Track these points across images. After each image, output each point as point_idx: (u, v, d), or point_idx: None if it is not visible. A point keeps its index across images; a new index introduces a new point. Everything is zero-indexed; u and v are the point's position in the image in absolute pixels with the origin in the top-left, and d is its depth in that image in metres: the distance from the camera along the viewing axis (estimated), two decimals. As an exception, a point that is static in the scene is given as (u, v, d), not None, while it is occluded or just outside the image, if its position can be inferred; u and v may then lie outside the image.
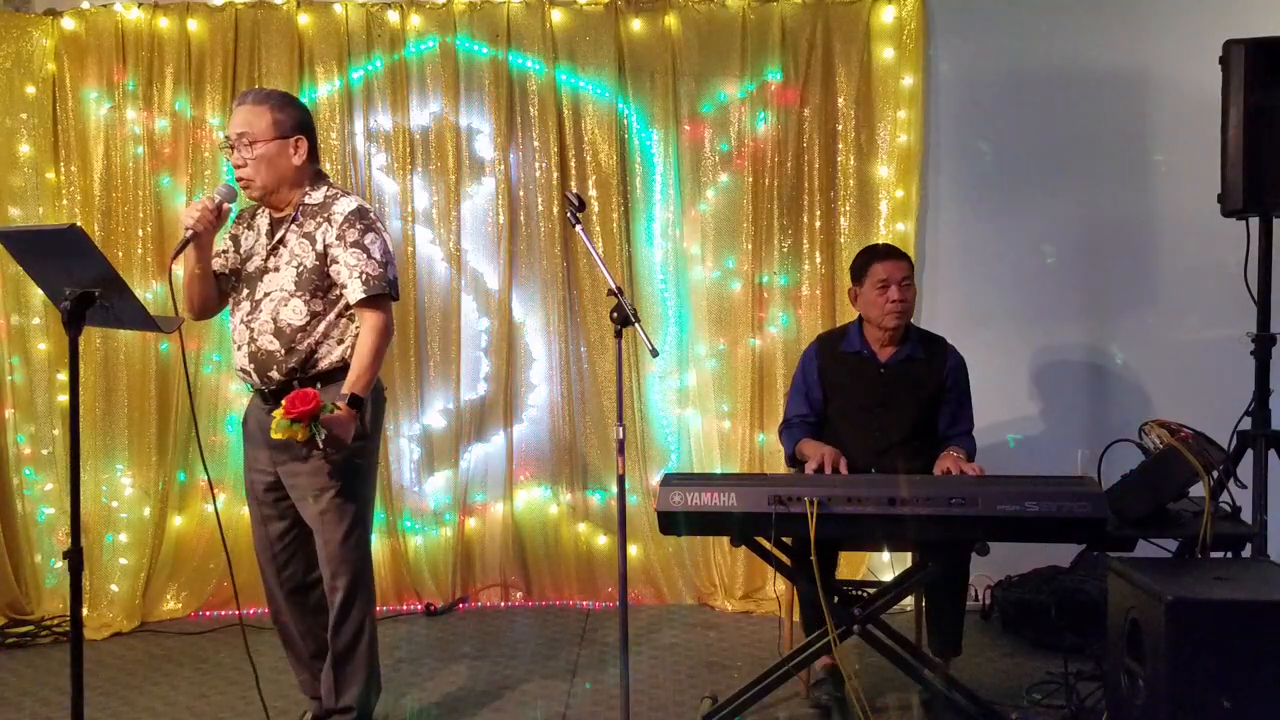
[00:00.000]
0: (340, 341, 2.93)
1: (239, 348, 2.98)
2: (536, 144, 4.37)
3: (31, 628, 4.15)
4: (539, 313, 4.42)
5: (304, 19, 4.32)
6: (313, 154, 2.97)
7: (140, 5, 4.31)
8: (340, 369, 2.92)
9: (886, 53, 4.27)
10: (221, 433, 4.37)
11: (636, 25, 4.34)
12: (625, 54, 4.33)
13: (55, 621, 4.19)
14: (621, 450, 2.95)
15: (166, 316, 2.89)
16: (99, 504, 4.31)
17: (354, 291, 2.87)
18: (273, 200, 2.96)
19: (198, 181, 4.33)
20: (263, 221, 3.02)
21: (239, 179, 2.92)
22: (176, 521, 4.37)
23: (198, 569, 4.37)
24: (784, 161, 4.31)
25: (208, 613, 4.34)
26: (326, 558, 2.96)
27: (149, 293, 4.29)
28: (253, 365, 2.93)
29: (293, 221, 2.94)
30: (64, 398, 4.29)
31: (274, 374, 2.91)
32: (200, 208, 2.83)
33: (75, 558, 2.43)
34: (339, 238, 2.88)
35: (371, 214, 2.96)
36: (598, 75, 4.34)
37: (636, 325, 2.90)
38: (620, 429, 2.93)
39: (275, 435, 2.65)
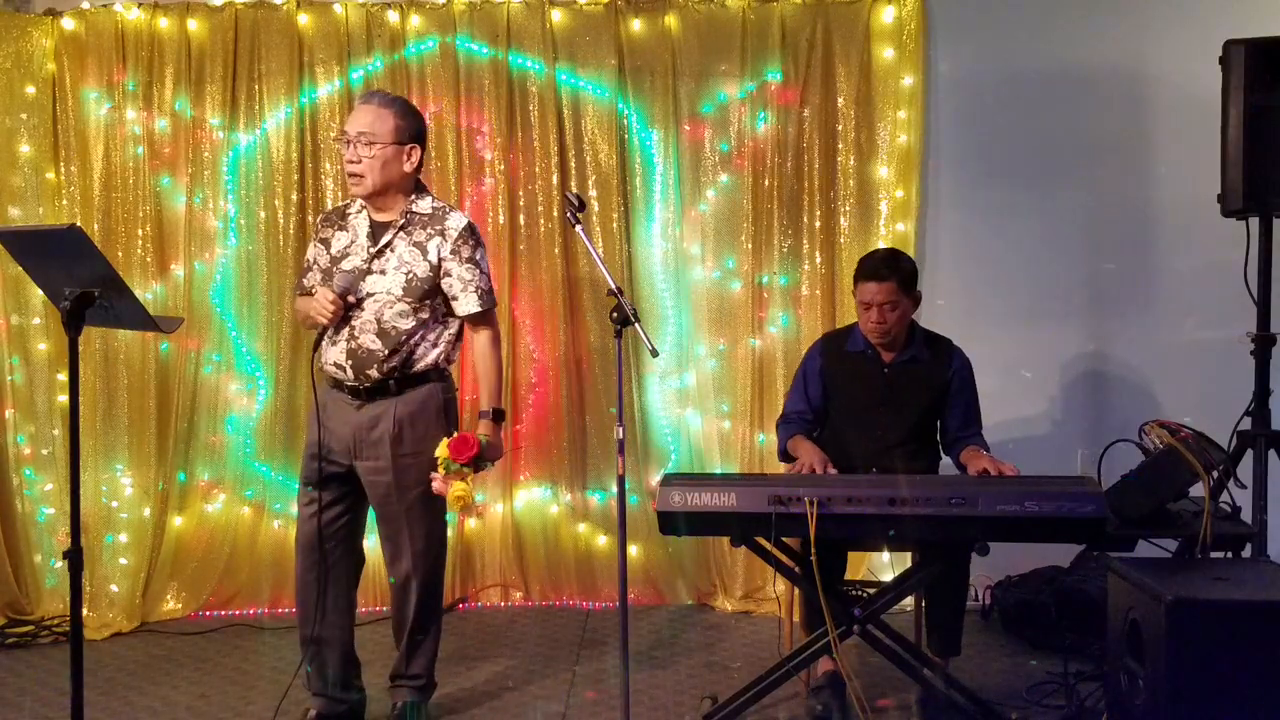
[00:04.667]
0: (435, 345, 3.09)
1: (333, 343, 3.04)
2: (536, 144, 4.37)
3: (31, 628, 4.15)
4: (539, 313, 4.42)
5: (304, 19, 4.32)
6: (419, 164, 3.10)
7: (140, 5, 4.31)
8: (433, 370, 3.09)
9: (886, 53, 4.27)
10: (221, 433, 4.37)
11: (636, 25, 4.34)
12: (625, 54, 4.33)
13: (55, 621, 4.18)
14: (621, 450, 2.95)
15: (166, 317, 2.90)
16: (99, 504, 4.31)
17: (469, 305, 3.07)
18: (378, 201, 3.08)
19: (197, 181, 4.33)
20: (360, 222, 3.11)
21: (351, 173, 3.02)
22: (176, 521, 4.36)
23: (198, 569, 4.37)
24: (784, 161, 4.31)
25: (208, 613, 4.34)
26: (414, 552, 3.10)
27: (149, 293, 4.29)
28: (350, 362, 3.02)
29: (401, 228, 3.05)
30: (64, 398, 4.29)
31: (372, 372, 3.02)
32: (333, 304, 2.96)
33: (75, 558, 2.44)
34: (454, 253, 3.05)
35: (478, 231, 3.15)
36: (598, 75, 4.34)
37: (636, 325, 2.90)
38: (620, 429, 2.93)
39: (447, 476, 2.87)
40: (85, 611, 4.06)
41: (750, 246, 4.34)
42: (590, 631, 4.12)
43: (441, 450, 2.88)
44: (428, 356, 3.07)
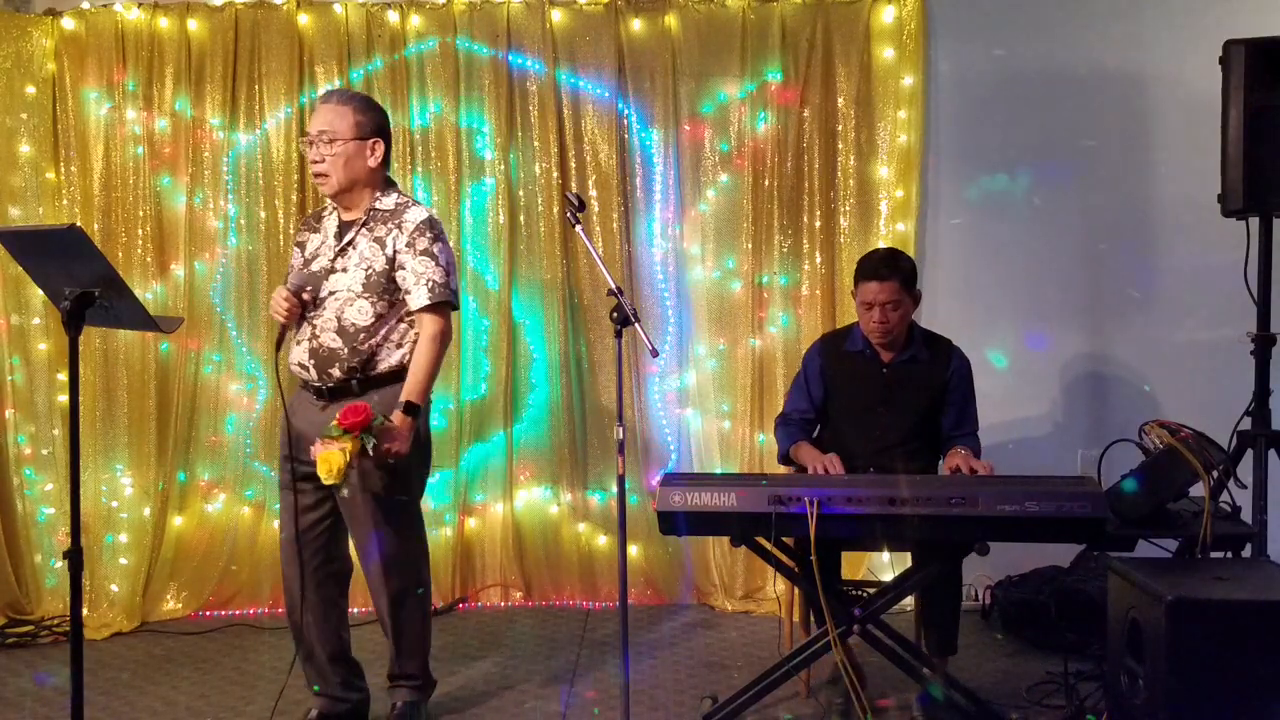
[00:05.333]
0: (399, 345, 3.03)
1: (298, 343, 3.04)
2: (536, 144, 4.37)
3: (31, 628, 4.15)
4: (539, 313, 4.42)
5: (304, 19, 4.32)
6: (385, 159, 3.07)
7: (140, 5, 4.31)
8: (399, 371, 3.02)
9: (886, 53, 4.27)
10: (221, 433, 4.37)
11: (636, 25, 4.34)
12: (625, 54, 4.34)
13: (55, 621, 4.18)
14: (621, 450, 2.95)
15: (166, 317, 2.90)
16: (99, 504, 4.31)
17: (419, 298, 2.98)
18: (345, 199, 3.06)
19: (198, 181, 4.33)
20: (330, 223, 3.11)
21: (315, 174, 3.02)
22: (176, 521, 4.37)
23: (198, 569, 4.37)
24: (784, 161, 4.32)
25: (208, 613, 4.34)
26: (384, 554, 3.05)
27: (149, 293, 4.29)
28: (313, 361, 3.00)
29: (364, 225, 3.03)
30: (64, 398, 4.29)
31: (334, 371, 2.99)
32: (287, 301, 2.96)
33: (75, 558, 2.44)
34: (409, 245, 2.98)
35: (440, 225, 3.07)
36: (598, 75, 4.34)
37: (636, 325, 2.91)
38: (620, 429, 2.93)
39: (325, 440, 2.76)
40: (85, 611, 4.06)
41: (750, 246, 4.34)
42: (590, 631, 4.12)
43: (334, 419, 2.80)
44: (391, 357, 3.01)
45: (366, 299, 2.98)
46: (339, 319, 2.98)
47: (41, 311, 4.33)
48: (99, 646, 3.99)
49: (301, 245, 3.16)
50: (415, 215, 3.02)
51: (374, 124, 3.03)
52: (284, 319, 2.99)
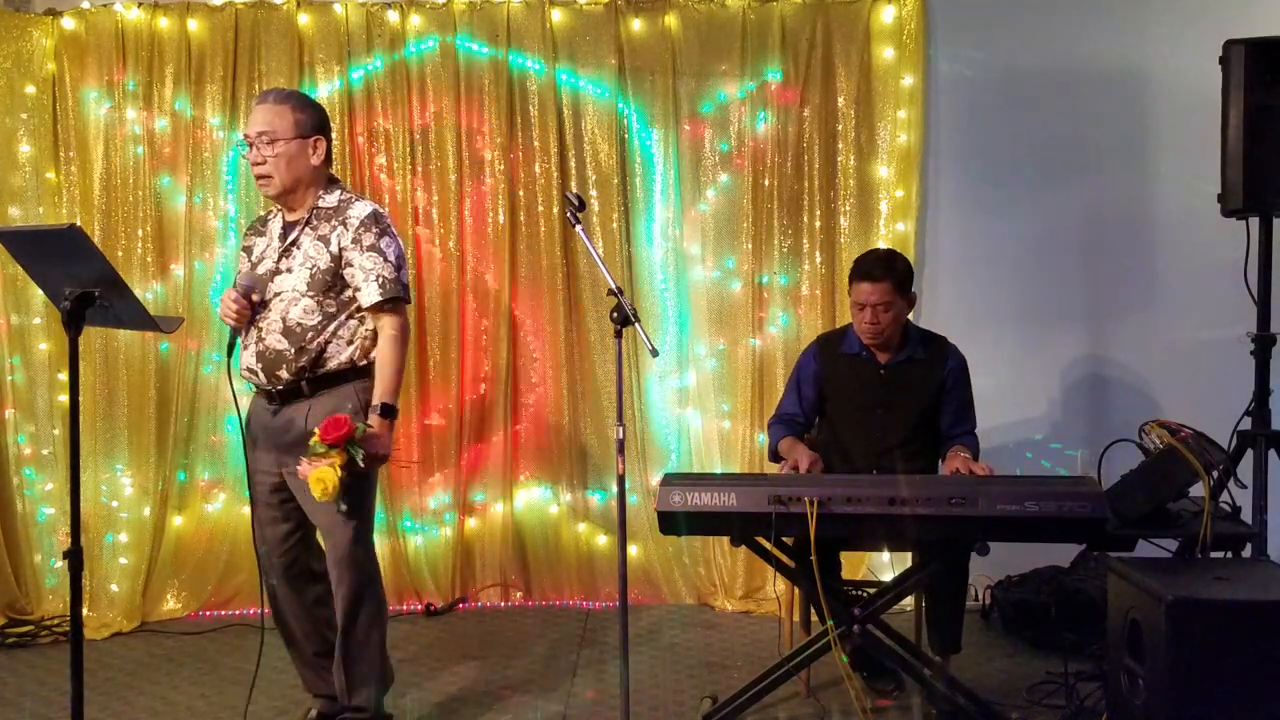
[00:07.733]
0: (350, 342, 2.97)
1: (245, 347, 3.00)
2: (536, 144, 4.37)
3: (31, 628, 4.15)
4: (539, 313, 4.42)
5: (304, 19, 4.32)
6: (327, 156, 3.01)
7: (140, 5, 4.31)
8: (349, 369, 2.96)
9: (886, 53, 4.27)
10: (221, 433, 4.37)
11: (636, 25, 4.34)
12: (625, 54, 4.34)
13: (55, 621, 4.18)
14: (621, 450, 2.95)
15: (166, 317, 2.90)
16: (99, 504, 4.31)
17: (370, 295, 2.92)
18: (289, 200, 2.99)
19: (198, 181, 4.33)
20: (274, 225, 3.06)
21: (257, 176, 2.95)
22: (176, 521, 4.37)
23: (198, 569, 4.37)
24: (784, 161, 4.32)
25: (208, 613, 4.34)
26: (335, 560, 2.98)
27: (149, 293, 4.29)
28: (260, 364, 2.96)
29: (306, 224, 2.98)
30: (64, 398, 4.30)
31: (282, 373, 2.93)
32: (236, 304, 2.92)
33: (75, 558, 2.44)
34: (354, 241, 2.92)
35: (386, 219, 3.01)
36: (598, 75, 4.34)
37: (636, 325, 2.90)
38: (620, 429, 2.93)
39: (312, 458, 2.70)
40: (85, 611, 4.06)
41: (750, 246, 4.34)
42: (590, 631, 4.12)
43: (315, 434, 2.74)
44: (340, 354, 2.94)
45: (311, 298, 2.92)
46: (284, 320, 2.92)
47: (41, 311, 4.33)
48: (99, 646, 3.99)
49: (248, 250, 3.09)
50: (359, 211, 2.95)
51: (314, 121, 2.96)
52: (234, 322, 2.94)
